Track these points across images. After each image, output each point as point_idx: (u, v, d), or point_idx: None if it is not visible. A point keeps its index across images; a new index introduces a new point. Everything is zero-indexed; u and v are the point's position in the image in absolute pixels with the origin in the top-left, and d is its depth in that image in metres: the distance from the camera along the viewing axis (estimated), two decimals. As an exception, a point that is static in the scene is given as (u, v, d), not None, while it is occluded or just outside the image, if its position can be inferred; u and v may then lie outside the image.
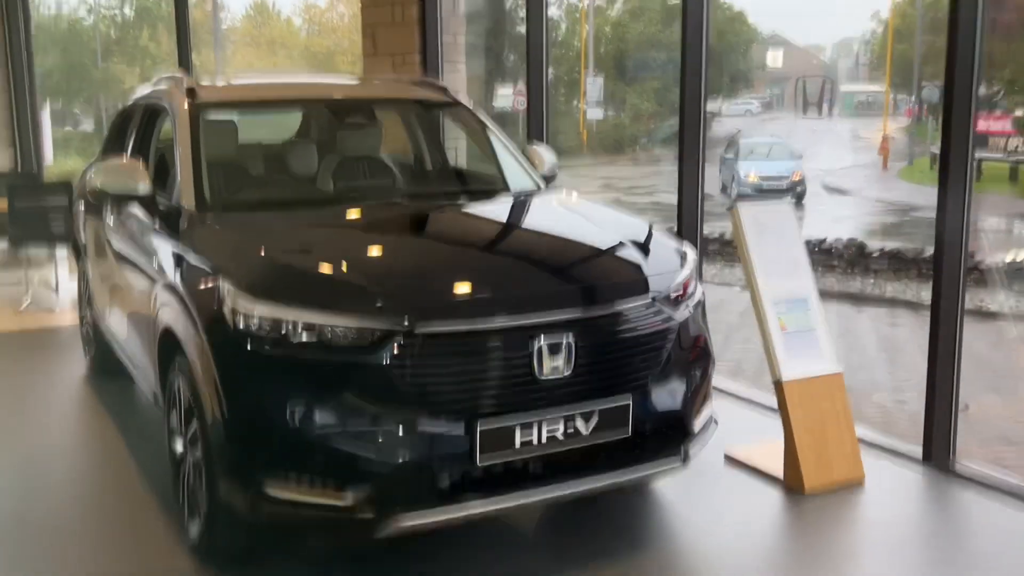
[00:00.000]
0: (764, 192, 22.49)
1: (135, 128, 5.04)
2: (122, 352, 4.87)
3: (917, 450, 4.53)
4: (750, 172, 23.72)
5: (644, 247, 3.79)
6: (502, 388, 3.15)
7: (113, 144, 5.47)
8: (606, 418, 3.29)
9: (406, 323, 3.05)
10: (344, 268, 3.29)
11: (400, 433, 3.04)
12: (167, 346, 3.63)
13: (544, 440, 3.19)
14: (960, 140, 4.18)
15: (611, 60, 40.56)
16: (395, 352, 3.03)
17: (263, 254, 3.42)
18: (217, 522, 3.33)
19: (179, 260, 3.64)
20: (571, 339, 3.21)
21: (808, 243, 14.17)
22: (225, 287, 3.20)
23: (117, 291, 4.73)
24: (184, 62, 9.84)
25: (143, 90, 5.29)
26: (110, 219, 4.82)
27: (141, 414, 5.16)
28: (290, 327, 3.06)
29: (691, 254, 3.90)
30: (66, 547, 3.74)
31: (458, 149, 8.64)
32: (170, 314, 3.56)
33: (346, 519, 3.06)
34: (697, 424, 3.65)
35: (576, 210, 4.20)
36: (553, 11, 42.05)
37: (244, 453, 3.12)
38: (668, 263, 3.73)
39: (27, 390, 5.84)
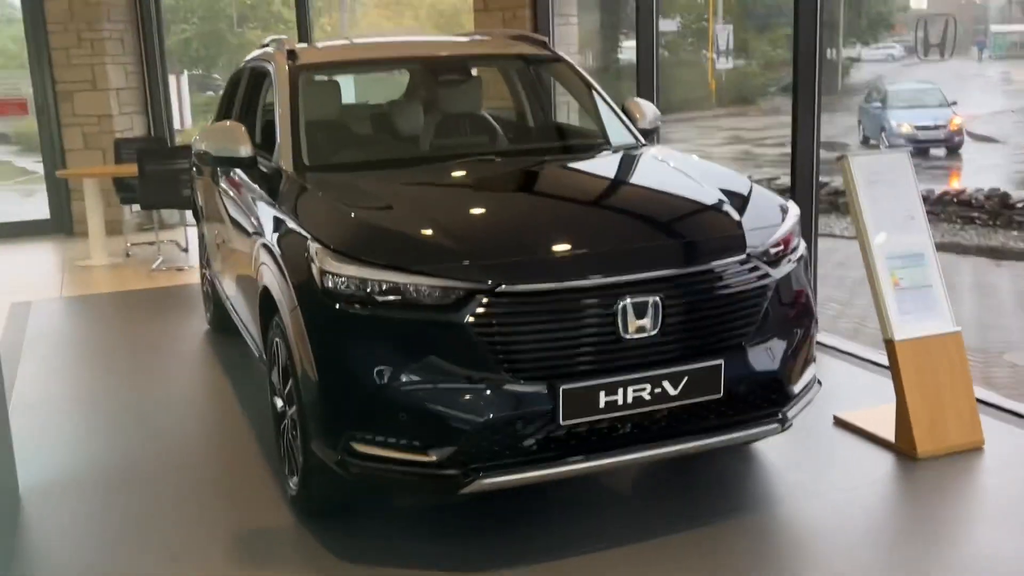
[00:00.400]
0: (920, 143, 20.78)
1: (243, 92, 5.15)
2: (233, 311, 5.02)
3: (1046, 415, 4.27)
4: (903, 122, 21.40)
5: (742, 202, 3.64)
6: (586, 348, 3.09)
7: (225, 108, 5.61)
8: (696, 380, 3.19)
9: (489, 282, 3.03)
10: (431, 227, 3.28)
11: (483, 392, 3.02)
12: (267, 305, 3.71)
13: (630, 401, 3.12)
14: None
15: (742, 7, 39.35)
16: (479, 311, 3.01)
17: (352, 215, 3.44)
18: (312, 477, 3.40)
19: (276, 221, 3.70)
20: (658, 299, 3.13)
21: (946, 194, 13.50)
22: (314, 247, 3.24)
23: (227, 252, 4.87)
24: (301, 25, 10.03)
25: (252, 55, 5.39)
26: (220, 182, 4.95)
27: (253, 370, 5.33)
28: (376, 287, 3.07)
29: (793, 209, 3.73)
30: (175, 495, 3.90)
31: (569, 105, 8.55)
32: (268, 274, 3.63)
33: (431, 477, 3.08)
34: (797, 386, 3.51)
35: (673, 164, 4.07)
36: (682, -41, 41.01)
37: (333, 411, 3.16)
38: (766, 218, 3.58)
39: (152, 345, 6.11)
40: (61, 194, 10.22)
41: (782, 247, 3.52)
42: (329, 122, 4.45)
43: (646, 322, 3.11)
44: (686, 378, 3.18)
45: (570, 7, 8.78)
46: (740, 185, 3.83)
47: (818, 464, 3.99)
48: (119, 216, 9.72)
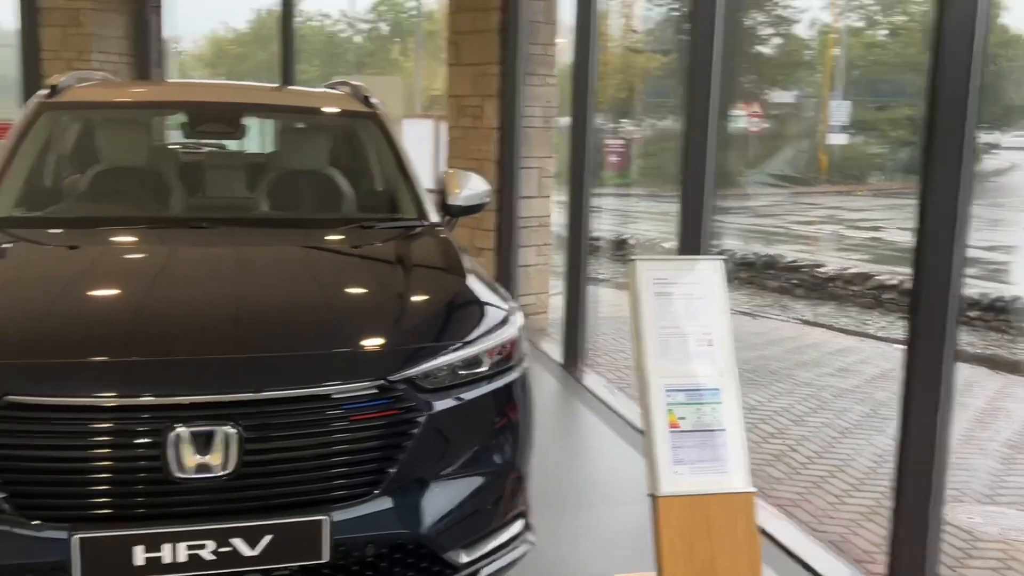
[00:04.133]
0: None
1: None
2: None
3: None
4: None
5: (430, 312, 2.92)
6: (119, 487, 2.39)
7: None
8: (285, 539, 2.45)
9: None
10: None
11: None
12: None
13: (182, 560, 2.40)
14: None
15: (863, 84, 38.16)
16: None
17: None
18: None
19: None
20: (232, 429, 2.40)
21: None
22: None
23: None
24: (287, 68, 9.69)
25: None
26: None
27: None
28: None
29: (511, 323, 2.95)
30: None
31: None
32: None
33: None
34: (468, 553, 2.72)
35: (393, 256, 3.31)
36: (803, 30, 40.05)
37: None
38: (454, 332, 2.82)
39: None
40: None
41: (475, 368, 2.76)
42: (58, 170, 3.89)
43: (212, 459, 2.39)
44: (269, 536, 2.44)
45: (545, 67, 8.11)
46: (450, 291, 3.08)
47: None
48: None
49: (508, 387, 2.86)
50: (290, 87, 4.69)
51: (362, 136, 4.26)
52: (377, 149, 4.15)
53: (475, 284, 3.12)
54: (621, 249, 16.41)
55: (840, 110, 36.16)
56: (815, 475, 5.42)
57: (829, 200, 30.59)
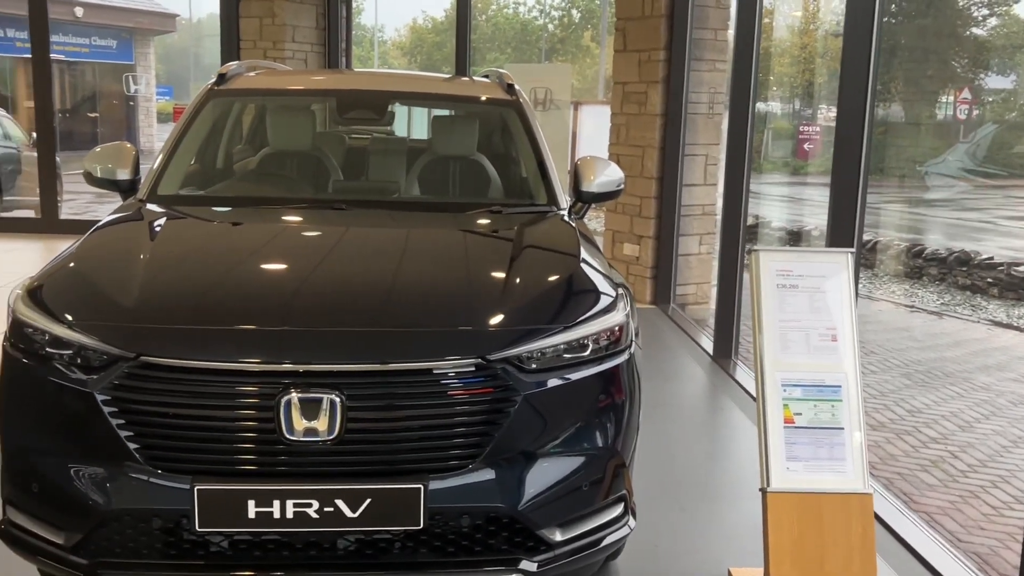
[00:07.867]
0: None
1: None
2: None
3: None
4: None
5: (537, 296, 2.95)
6: (236, 445, 2.59)
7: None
8: (383, 504, 2.59)
9: (131, 349, 2.61)
10: (132, 280, 2.88)
11: (114, 477, 2.61)
12: None
13: (290, 517, 2.57)
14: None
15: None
16: (116, 381, 2.60)
17: (81, 252, 3.13)
18: None
19: None
20: (337, 398, 2.56)
21: None
22: (24, 282, 2.99)
23: None
24: (460, 58, 9.93)
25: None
26: None
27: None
28: (40, 338, 2.75)
29: (620, 307, 2.97)
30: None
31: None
32: None
33: (63, 561, 2.70)
34: (564, 531, 2.78)
35: (511, 240, 3.35)
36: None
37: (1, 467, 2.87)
38: (555, 315, 2.87)
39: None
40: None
41: (579, 352, 2.81)
42: (227, 153, 4.18)
43: (318, 424, 2.56)
44: (368, 499, 2.58)
45: (715, 52, 7.98)
46: (559, 276, 3.12)
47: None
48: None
49: (612, 371, 2.88)
50: (437, 76, 4.84)
51: (503, 123, 4.36)
52: (516, 136, 4.24)
53: (586, 269, 3.16)
54: (804, 241, 15.90)
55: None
56: (973, 484, 5.14)
57: (1043, 193, 28.45)
